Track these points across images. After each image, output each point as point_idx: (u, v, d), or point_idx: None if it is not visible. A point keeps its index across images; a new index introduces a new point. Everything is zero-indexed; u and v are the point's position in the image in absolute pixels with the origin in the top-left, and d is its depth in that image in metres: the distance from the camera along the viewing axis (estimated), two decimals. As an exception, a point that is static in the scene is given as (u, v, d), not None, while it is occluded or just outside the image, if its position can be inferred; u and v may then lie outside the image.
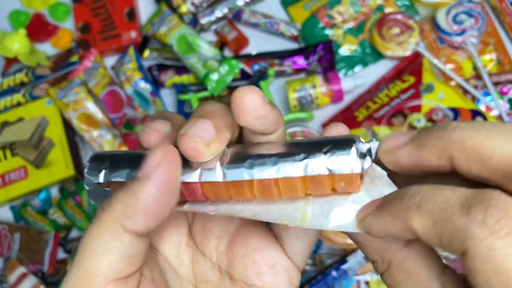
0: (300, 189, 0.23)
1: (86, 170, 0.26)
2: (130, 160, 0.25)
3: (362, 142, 0.22)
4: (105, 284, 0.21)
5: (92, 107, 0.82)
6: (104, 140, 0.80)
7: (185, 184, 0.24)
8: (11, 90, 0.87)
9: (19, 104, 0.86)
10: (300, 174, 0.22)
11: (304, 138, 0.24)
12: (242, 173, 0.23)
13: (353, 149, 0.22)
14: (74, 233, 0.82)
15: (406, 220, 0.18)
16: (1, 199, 0.82)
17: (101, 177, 0.25)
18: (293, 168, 0.22)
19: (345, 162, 0.21)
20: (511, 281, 0.16)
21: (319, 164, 0.22)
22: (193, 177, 0.24)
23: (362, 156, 0.22)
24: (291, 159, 0.22)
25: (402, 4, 0.81)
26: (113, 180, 0.25)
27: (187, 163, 0.24)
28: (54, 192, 0.84)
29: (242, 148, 0.24)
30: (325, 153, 0.22)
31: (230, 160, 0.23)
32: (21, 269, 0.77)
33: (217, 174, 0.23)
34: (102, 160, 0.26)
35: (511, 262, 0.16)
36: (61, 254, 0.81)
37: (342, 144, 0.22)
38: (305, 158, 0.22)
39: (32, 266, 0.78)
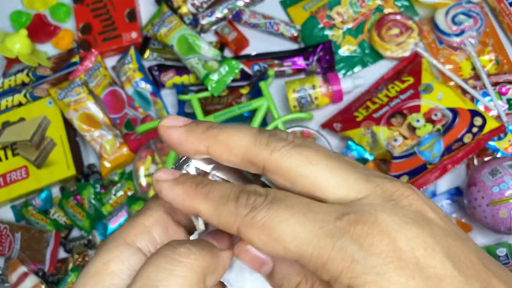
0: None
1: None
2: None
3: None
4: None
5: (93, 107, 0.82)
6: (105, 140, 0.81)
7: None
8: (12, 90, 0.88)
9: (20, 104, 0.86)
10: None
11: None
12: None
13: None
14: (75, 233, 0.82)
15: (195, 203, 0.23)
16: (2, 198, 0.82)
17: (209, 168, 0.25)
18: None
19: None
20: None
21: None
22: None
23: None
24: None
25: (401, 4, 0.82)
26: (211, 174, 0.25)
27: None
28: (55, 191, 0.84)
29: None
30: None
31: None
32: (22, 269, 0.78)
33: None
34: None
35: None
36: (62, 254, 0.81)
37: None
38: None
39: (33, 266, 0.79)
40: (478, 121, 0.70)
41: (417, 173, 0.70)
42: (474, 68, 0.77)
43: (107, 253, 0.24)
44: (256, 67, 0.80)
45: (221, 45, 0.85)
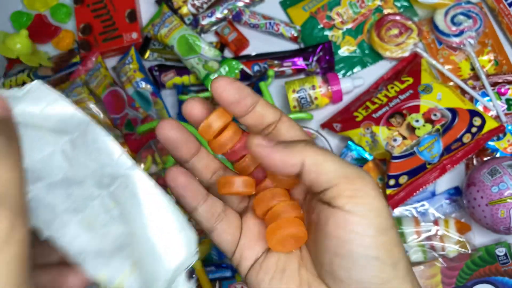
0: None
1: None
2: None
3: None
4: None
5: (93, 108, 0.83)
6: (105, 140, 0.81)
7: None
8: (13, 91, 0.88)
9: (21, 105, 0.86)
10: None
11: None
12: None
13: None
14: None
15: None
16: (3, 198, 0.82)
17: None
18: None
19: None
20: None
21: None
22: None
23: None
24: None
25: (400, 5, 0.82)
26: None
27: None
28: (56, 191, 0.84)
29: None
30: None
31: None
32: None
33: None
34: None
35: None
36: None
37: None
38: None
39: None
40: (477, 121, 0.70)
41: (417, 173, 0.70)
42: (473, 69, 0.77)
43: None
44: (256, 68, 0.80)
45: (221, 46, 0.85)
